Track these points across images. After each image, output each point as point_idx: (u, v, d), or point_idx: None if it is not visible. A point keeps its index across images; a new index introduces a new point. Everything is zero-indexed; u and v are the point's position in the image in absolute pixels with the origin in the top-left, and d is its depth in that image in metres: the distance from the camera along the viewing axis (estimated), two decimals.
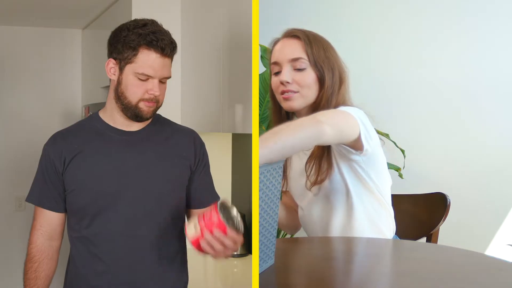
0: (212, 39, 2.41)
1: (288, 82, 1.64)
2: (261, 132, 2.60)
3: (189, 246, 1.71)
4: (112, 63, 1.57)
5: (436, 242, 1.98)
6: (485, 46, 2.80)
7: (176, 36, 2.70)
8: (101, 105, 1.66)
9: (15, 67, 3.83)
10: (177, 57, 2.70)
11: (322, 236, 1.89)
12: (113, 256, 1.57)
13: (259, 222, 1.37)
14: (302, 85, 1.65)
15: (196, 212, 1.69)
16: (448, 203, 1.98)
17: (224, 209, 1.40)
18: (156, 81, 1.54)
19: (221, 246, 1.38)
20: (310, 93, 1.66)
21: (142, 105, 1.55)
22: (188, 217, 1.72)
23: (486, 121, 2.82)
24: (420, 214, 2.00)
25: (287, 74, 1.65)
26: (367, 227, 1.71)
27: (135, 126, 1.63)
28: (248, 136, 2.60)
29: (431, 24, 2.86)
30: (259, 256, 1.38)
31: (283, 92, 1.66)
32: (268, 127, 2.74)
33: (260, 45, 2.76)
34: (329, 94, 1.66)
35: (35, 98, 3.88)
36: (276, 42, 1.75)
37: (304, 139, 1.37)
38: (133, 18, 1.61)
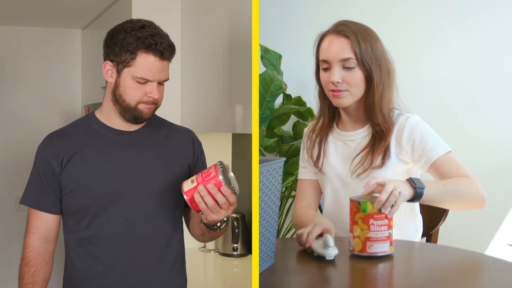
0: (212, 39, 2.41)
1: (338, 82, 1.71)
2: (261, 132, 2.60)
3: (188, 246, 1.72)
4: (109, 65, 1.55)
5: (436, 242, 1.97)
6: (485, 46, 2.80)
7: (176, 36, 2.71)
8: (100, 105, 1.65)
9: (15, 67, 3.83)
10: (177, 57, 2.69)
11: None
12: (113, 256, 1.56)
13: (259, 222, 1.37)
14: (351, 84, 1.72)
15: (194, 211, 1.68)
16: None
17: (223, 169, 1.43)
18: (155, 84, 1.53)
19: (214, 201, 1.40)
20: (358, 90, 1.74)
21: (141, 107, 1.54)
22: (186, 218, 1.72)
23: (486, 121, 2.82)
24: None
25: (337, 74, 1.71)
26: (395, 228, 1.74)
27: (133, 127, 1.62)
28: (248, 136, 2.60)
29: (431, 24, 2.86)
30: (259, 256, 1.38)
31: (333, 90, 1.73)
32: (268, 127, 2.74)
33: (260, 45, 2.76)
34: (380, 90, 1.74)
35: (35, 98, 3.87)
36: (323, 36, 1.78)
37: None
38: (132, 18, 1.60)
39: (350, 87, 1.72)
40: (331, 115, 1.86)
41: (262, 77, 2.63)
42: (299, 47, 2.97)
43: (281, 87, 2.64)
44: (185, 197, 1.43)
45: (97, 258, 1.56)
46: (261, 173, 1.35)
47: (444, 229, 2.04)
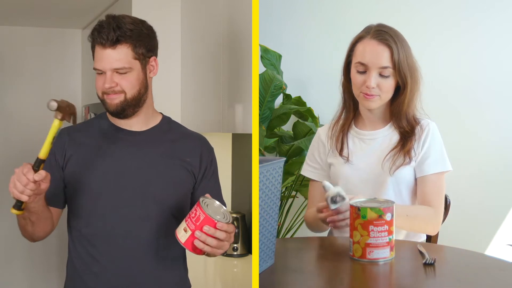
0: (212, 39, 2.41)
1: (373, 88, 1.80)
2: (261, 132, 2.60)
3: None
4: None
5: (436, 242, 1.97)
6: (484, 46, 2.81)
7: (176, 36, 2.71)
8: (101, 105, 1.66)
9: (15, 67, 3.82)
10: (177, 57, 2.71)
11: (319, 236, 1.89)
12: (109, 257, 1.56)
13: (259, 222, 1.37)
14: (384, 90, 1.81)
15: None
16: (448, 203, 1.98)
17: (208, 204, 1.41)
18: (107, 74, 1.53)
19: (215, 241, 1.39)
20: (388, 96, 1.84)
21: (105, 98, 1.56)
22: None
23: (486, 121, 2.82)
24: None
25: (373, 80, 1.79)
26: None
27: (135, 127, 1.62)
28: (248, 136, 2.60)
29: (431, 24, 2.86)
30: (259, 256, 1.38)
31: (366, 93, 1.81)
32: (268, 127, 2.74)
33: (260, 45, 2.76)
34: (408, 98, 1.85)
35: (35, 98, 3.87)
36: (360, 38, 1.85)
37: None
38: None
39: (381, 92, 1.81)
40: (354, 112, 1.94)
41: (262, 77, 2.62)
42: (299, 47, 2.97)
43: (281, 87, 2.64)
44: (185, 247, 1.41)
45: (94, 258, 1.56)
46: (261, 173, 1.35)
47: (444, 229, 2.04)
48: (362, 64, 1.80)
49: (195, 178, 1.64)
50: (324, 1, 2.97)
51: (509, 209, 2.80)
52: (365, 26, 1.87)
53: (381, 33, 1.81)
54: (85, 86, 3.87)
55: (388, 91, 1.82)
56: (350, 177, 1.86)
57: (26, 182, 1.37)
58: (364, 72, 1.80)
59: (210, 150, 1.70)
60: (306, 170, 2.01)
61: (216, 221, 1.37)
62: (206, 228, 1.37)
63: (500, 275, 1.41)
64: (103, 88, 1.55)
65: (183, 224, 1.42)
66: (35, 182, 1.37)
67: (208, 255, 1.48)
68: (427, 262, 1.44)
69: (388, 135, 1.88)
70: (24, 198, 1.39)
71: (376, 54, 1.79)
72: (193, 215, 1.40)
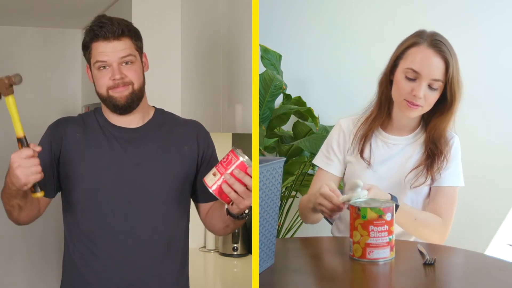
0: (212, 39, 2.41)
1: (420, 98, 1.74)
2: (261, 132, 2.60)
3: (190, 246, 1.72)
4: (88, 68, 1.62)
5: None
6: (485, 46, 2.80)
7: (176, 36, 2.71)
8: (101, 105, 1.66)
9: (15, 67, 3.82)
10: (177, 57, 2.71)
11: (320, 236, 1.89)
12: (110, 253, 1.56)
13: (259, 222, 1.37)
14: (428, 102, 1.76)
15: (204, 206, 1.68)
16: None
17: (241, 152, 1.43)
18: (114, 65, 1.54)
19: (243, 187, 1.40)
20: (428, 109, 1.79)
21: (112, 93, 1.56)
22: (199, 212, 1.72)
23: (486, 121, 2.82)
24: None
25: (423, 91, 1.73)
26: None
27: (133, 123, 1.63)
28: (248, 136, 2.60)
29: (431, 25, 2.85)
30: (259, 256, 1.38)
31: (411, 102, 1.75)
32: (268, 127, 2.74)
33: (260, 45, 2.76)
34: (454, 115, 1.81)
35: (35, 98, 3.87)
36: (415, 44, 1.78)
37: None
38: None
39: (425, 104, 1.76)
40: (386, 115, 1.88)
41: (262, 77, 2.62)
42: (299, 47, 2.97)
43: (281, 87, 2.64)
44: (212, 191, 1.43)
45: (94, 254, 1.57)
46: (261, 173, 1.35)
47: None
48: (414, 71, 1.73)
49: (196, 165, 1.66)
50: (324, 1, 2.97)
51: (509, 209, 2.80)
52: (417, 31, 1.80)
53: (439, 44, 1.74)
54: (85, 86, 3.87)
55: (431, 104, 1.77)
56: (369, 182, 1.80)
57: (33, 163, 1.37)
58: (413, 80, 1.73)
59: (206, 135, 1.73)
60: (320, 160, 1.94)
61: (247, 166, 1.40)
62: (236, 171, 1.40)
63: (500, 275, 1.41)
64: (109, 82, 1.55)
65: (212, 170, 1.44)
66: (35, 155, 1.38)
67: (231, 207, 1.47)
68: (427, 262, 1.44)
69: (412, 144, 1.85)
70: (40, 175, 1.38)
71: (431, 65, 1.72)
72: (224, 159, 1.43)
